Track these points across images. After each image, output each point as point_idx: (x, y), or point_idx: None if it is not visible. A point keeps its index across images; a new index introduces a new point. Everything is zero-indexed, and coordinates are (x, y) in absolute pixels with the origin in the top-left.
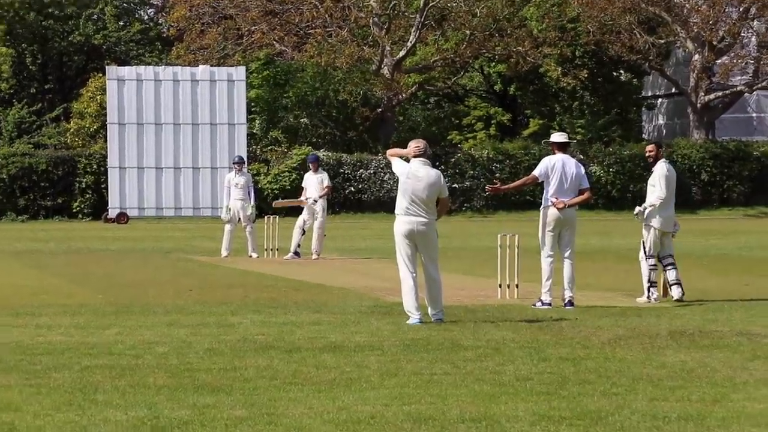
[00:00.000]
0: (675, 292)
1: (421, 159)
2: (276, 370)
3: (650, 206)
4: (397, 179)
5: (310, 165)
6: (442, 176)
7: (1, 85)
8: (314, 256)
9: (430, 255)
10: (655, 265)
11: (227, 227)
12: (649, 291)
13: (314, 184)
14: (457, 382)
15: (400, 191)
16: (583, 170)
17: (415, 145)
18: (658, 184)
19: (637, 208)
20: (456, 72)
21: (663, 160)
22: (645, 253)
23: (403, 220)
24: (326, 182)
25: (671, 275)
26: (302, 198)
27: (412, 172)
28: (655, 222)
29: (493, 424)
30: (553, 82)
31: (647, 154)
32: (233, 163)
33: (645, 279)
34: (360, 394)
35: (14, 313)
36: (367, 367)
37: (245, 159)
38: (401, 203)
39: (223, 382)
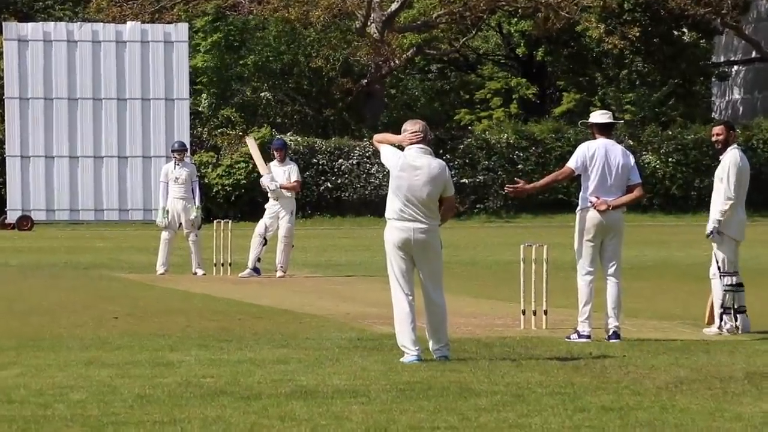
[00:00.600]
0: (743, 321)
1: (420, 146)
2: (228, 423)
3: (722, 217)
4: (388, 173)
5: (275, 153)
6: (447, 168)
7: None
8: (279, 273)
9: (431, 272)
10: (733, 285)
11: (164, 235)
12: (721, 319)
13: (280, 178)
14: None
15: (392, 189)
16: (632, 160)
17: (411, 128)
18: (726, 177)
19: (710, 226)
20: (466, 31)
21: (734, 146)
22: (719, 269)
23: (397, 227)
24: (295, 176)
25: (740, 298)
26: (268, 179)
27: (407, 164)
28: (730, 229)
29: None
30: (593, 45)
31: (714, 138)
32: (172, 151)
33: (717, 303)
34: None
35: None
36: (349, 419)
37: (188, 146)
38: (393, 204)
39: None
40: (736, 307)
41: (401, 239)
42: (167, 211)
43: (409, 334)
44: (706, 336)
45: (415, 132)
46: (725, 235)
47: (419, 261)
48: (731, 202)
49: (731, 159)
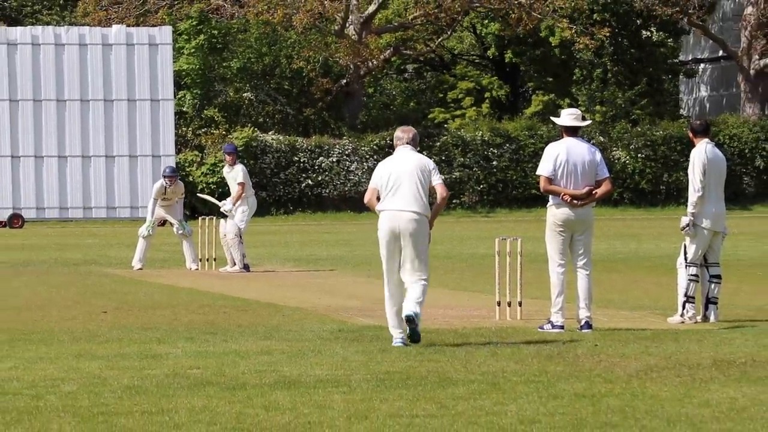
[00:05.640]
0: (713, 314)
1: (408, 146)
2: (214, 412)
3: (693, 209)
4: (367, 169)
5: (227, 156)
6: (431, 161)
7: None
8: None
9: (417, 256)
10: (696, 275)
11: (144, 233)
12: (684, 307)
13: (230, 181)
14: (444, 427)
15: (381, 181)
16: (599, 156)
17: (401, 132)
18: (692, 171)
19: (684, 219)
20: (441, 32)
21: (705, 140)
22: (685, 258)
23: (387, 217)
24: (240, 178)
25: (715, 291)
26: (226, 208)
27: (393, 158)
28: (704, 220)
29: None
30: (561, 46)
31: (691, 136)
32: (163, 176)
33: (681, 292)
34: None
35: None
36: (331, 407)
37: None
38: (383, 195)
39: (148, 429)
40: (710, 297)
41: (390, 228)
42: (153, 223)
43: (396, 319)
44: (671, 324)
45: (402, 137)
46: (698, 226)
47: (406, 248)
48: (699, 194)
49: (696, 153)
